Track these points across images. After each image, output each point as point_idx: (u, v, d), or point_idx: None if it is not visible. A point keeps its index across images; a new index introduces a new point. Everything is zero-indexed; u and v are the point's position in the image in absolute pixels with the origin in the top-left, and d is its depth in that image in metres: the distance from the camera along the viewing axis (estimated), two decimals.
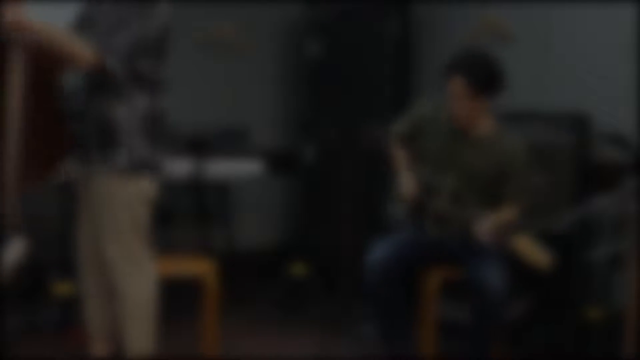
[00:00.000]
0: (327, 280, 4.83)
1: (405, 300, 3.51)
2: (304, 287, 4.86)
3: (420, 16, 5.09)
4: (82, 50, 2.97)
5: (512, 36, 4.60)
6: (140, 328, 3.19)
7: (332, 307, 4.60)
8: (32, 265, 3.70)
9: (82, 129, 3.11)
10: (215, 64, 5.24)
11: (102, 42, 2.99)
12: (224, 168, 4.63)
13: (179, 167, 4.35)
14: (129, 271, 3.17)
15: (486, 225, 3.24)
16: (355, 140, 4.94)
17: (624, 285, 3.54)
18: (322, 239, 5.10)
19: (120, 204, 3.10)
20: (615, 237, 3.76)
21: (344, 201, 4.67)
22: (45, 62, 3.00)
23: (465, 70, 3.35)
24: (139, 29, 3.04)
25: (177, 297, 3.40)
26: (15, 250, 3.33)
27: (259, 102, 5.49)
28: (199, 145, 4.48)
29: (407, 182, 3.55)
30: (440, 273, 3.55)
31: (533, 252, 3.12)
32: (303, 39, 5.30)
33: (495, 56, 3.45)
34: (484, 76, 3.36)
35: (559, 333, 3.95)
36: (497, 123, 3.51)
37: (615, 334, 3.57)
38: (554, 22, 4.45)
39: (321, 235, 5.12)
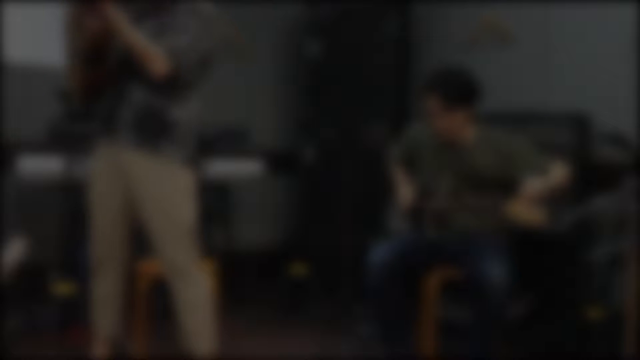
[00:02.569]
0: (327, 280, 4.83)
1: (405, 300, 3.52)
2: (304, 287, 4.86)
3: (420, 16, 5.09)
4: (157, 57, 3.05)
5: (512, 36, 4.60)
6: (206, 328, 3.24)
7: (332, 307, 4.60)
8: (32, 265, 3.71)
9: (137, 119, 3.15)
10: (214, 63, 5.23)
11: (170, 48, 3.07)
12: (224, 168, 4.63)
13: None
14: (192, 272, 3.21)
15: (534, 185, 3.27)
16: (355, 140, 4.94)
17: (624, 285, 3.54)
18: (322, 239, 5.10)
19: (180, 197, 3.20)
20: (615, 237, 3.76)
21: (344, 201, 4.67)
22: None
23: (438, 87, 3.45)
24: (203, 42, 3.17)
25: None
26: (15, 250, 3.33)
27: (259, 102, 5.49)
28: (199, 145, 4.48)
29: (404, 191, 3.62)
30: (440, 273, 3.55)
31: (526, 213, 3.19)
32: (303, 39, 5.30)
33: (467, 68, 3.53)
34: (457, 89, 3.46)
35: (559, 333, 3.95)
36: (480, 127, 3.54)
37: (615, 334, 3.57)
38: (554, 22, 4.45)
39: (321, 235, 5.12)
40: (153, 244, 3.22)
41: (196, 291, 3.22)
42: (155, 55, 3.05)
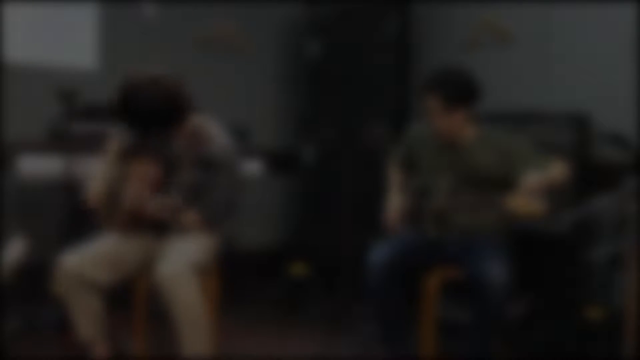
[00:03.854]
0: (327, 280, 4.83)
1: (405, 300, 3.52)
2: (304, 287, 4.86)
3: (420, 16, 5.10)
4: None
5: (512, 36, 4.60)
6: (201, 332, 3.24)
7: (332, 307, 4.60)
8: (32, 265, 3.71)
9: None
10: (215, 63, 5.24)
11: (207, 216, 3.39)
12: None
13: None
14: (188, 281, 3.21)
15: (533, 180, 3.28)
16: (355, 140, 4.95)
17: (624, 285, 3.54)
18: (322, 239, 5.10)
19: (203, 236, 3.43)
20: (615, 237, 3.76)
21: (344, 201, 4.67)
22: None
23: (438, 87, 3.45)
24: (229, 193, 3.50)
25: None
26: (15, 250, 3.34)
27: (259, 102, 5.49)
28: None
29: (392, 204, 3.62)
30: (440, 273, 3.55)
31: (526, 205, 3.20)
32: (303, 39, 5.30)
33: (468, 68, 3.53)
34: (457, 90, 3.46)
35: (559, 333, 3.95)
36: (480, 127, 3.54)
37: (615, 334, 3.57)
38: (554, 22, 4.45)
39: (321, 235, 5.12)
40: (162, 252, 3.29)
41: (187, 295, 3.20)
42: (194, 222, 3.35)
